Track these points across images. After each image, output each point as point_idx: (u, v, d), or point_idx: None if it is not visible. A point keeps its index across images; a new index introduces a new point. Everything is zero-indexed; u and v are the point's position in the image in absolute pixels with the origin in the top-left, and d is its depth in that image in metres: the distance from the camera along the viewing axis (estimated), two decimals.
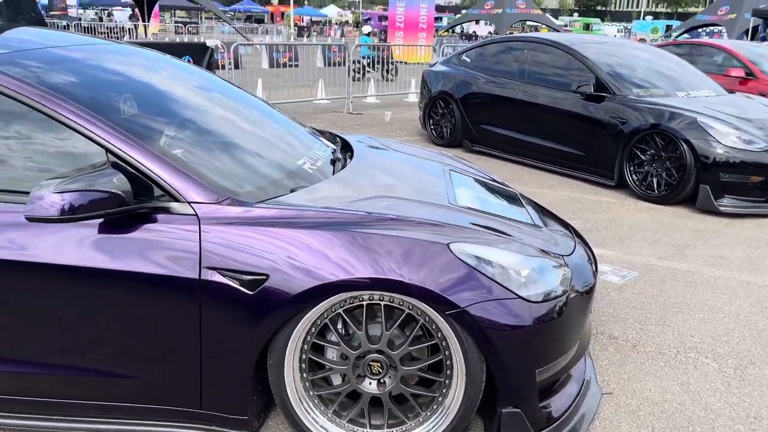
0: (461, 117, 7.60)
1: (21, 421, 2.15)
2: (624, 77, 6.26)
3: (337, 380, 2.16)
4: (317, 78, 12.16)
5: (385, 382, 2.12)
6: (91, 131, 2.02)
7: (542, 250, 2.26)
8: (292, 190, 2.28)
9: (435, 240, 2.03)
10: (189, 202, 2.01)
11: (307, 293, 1.95)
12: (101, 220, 1.95)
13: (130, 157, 2.01)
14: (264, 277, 1.96)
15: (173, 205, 2.01)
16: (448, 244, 2.03)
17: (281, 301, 1.96)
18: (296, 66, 14.62)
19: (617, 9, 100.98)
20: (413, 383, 2.14)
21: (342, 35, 43.96)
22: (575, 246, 2.54)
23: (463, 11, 49.03)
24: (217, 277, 1.97)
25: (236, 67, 9.73)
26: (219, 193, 2.06)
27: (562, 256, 2.34)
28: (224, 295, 1.97)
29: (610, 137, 5.96)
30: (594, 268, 2.51)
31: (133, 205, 1.95)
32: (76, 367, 2.09)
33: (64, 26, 24.36)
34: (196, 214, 2.00)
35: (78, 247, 1.96)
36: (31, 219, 1.83)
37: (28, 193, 1.93)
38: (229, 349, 2.03)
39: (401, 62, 18.30)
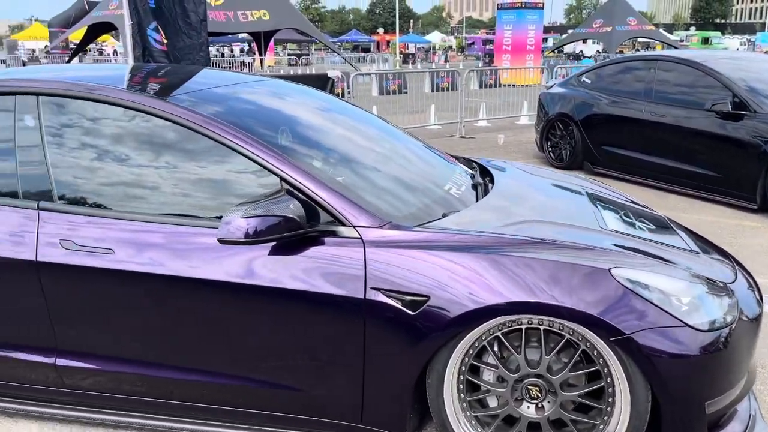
0: (582, 139, 7.44)
1: (197, 426, 2.35)
2: (762, 93, 5.88)
3: (493, 402, 2.18)
4: (428, 103, 12.35)
5: (543, 406, 2.11)
6: (269, 162, 2.20)
7: (706, 278, 2.18)
8: (444, 215, 2.36)
9: (596, 265, 2.03)
10: (354, 226, 2.14)
11: (467, 315, 2.00)
12: (275, 242, 2.11)
13: (302, 185, 2.17)
14: (425, 298, 2.04)
15: (340, 228, 2.15)
16: (609, 270, 2.01)
17: (442, 322, 2.02)
18: (405, 93, 14.97)
19: (738, 21, 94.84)
20: (571, 408, 2.13)
21: (446, 60, 44.38)
22: (736, 273, 2.42)
23: (570, 31, 47.99)
24: (381, 297, 2.07)
25: (349, 94, 10.11)
26: (380, 218, 2.17)
27: (726, 283, 2.25)
28: (387, 315, 2.07)
29: (751, 157, 5.60)
30: (758, 296, 2.38)
31: (305, 229, 2.10)
32: (247, 377, 2.26)
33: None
34: (361, 238, 2.12)
35: (251, 266, 2.14)
36: (223, 241, 2.02)
37: (207, 218, 2.16)
38: (390, 367, 2.11)
39: (510, 85, 18.23)
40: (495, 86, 19.18)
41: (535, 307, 1.98)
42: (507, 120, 12.67)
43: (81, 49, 26.68)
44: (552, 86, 8.44)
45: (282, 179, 2.19)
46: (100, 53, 39.09)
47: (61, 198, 2.35)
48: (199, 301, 2.21)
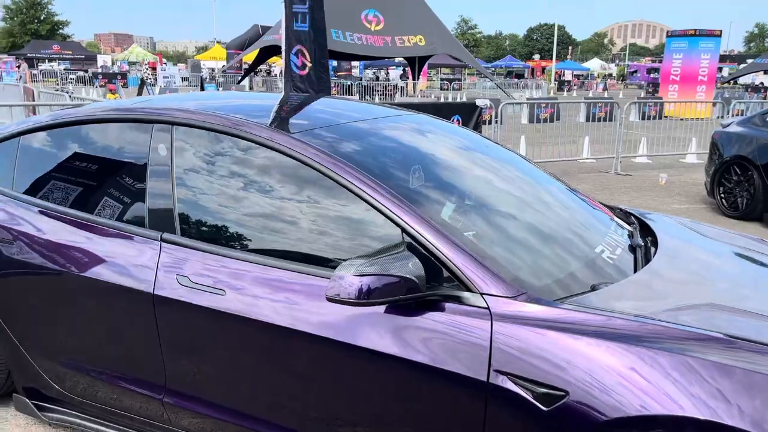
0: (763, 186, 6.47)
1: None
2: None
3: None
4: (581, 134, 11.62)
5: None
6: (391, 210, 1.97)
7: None
8: (593, 288, 1.97)
9: None
10: (482, 294, 1.83)
11: (618, 423, 1.61)
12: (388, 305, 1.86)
13: (426, 239, 1.90)
14: (562, 393, 1.67)
15: (465, 295, 1.85)
16: None
17: (582, 425, 1.65)
18: (558, 121, 14.26)
19: None
20: None
21: (605, 89, 42.23)
22: None
23: (750, 61, 43.64)
24: (508, 384, 1.73)
25: (497, 122, 9.73)
26: (514, 287, 1.85)
27: None
28: (513, 405, 1.73)
29: None
30: None
31: (424, 292, 1.83)
32: None
33: (348, 86, 27.43)
34: (489, 308, 1.81)
35: (363, 327, 1.91)
36: (331, 299, 1.81)
37: (325, 266, 1.97)
38: None
39: (675, 118, 16.75)
40: (658, 118, 17.79)
41: (712, 428, 1.53)
42: (671, 157, 11.54)
43: (252, 69, 29.01)
44: (729, 124, 7.48)
45: (404, 230, 1.95)
46: (268, 74, 42.15)
47: (183, 231, 2.30)
48: (306, 356, 2.02)
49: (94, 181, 2.56)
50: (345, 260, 1.87)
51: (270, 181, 2.23)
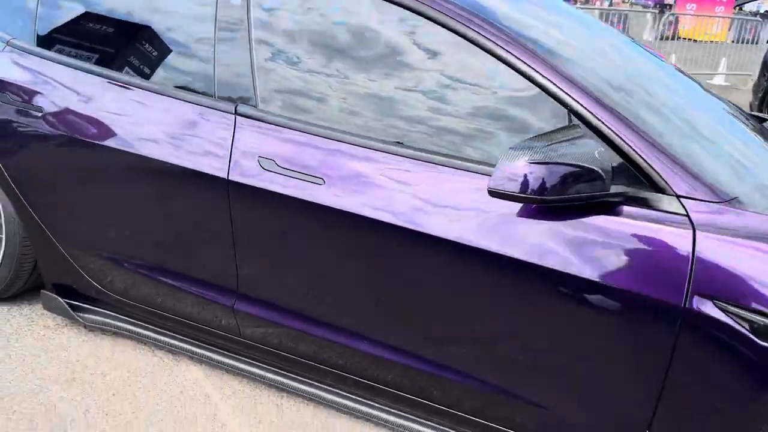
0: None
1: (377, 412, 1.86)
2: None
3: None
4: None
5: None
6: (557, 85, 1.52)
7: None
8: None
9: None
10: (678, 197, 1.43)
11: None
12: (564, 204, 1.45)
13: (606, 123, 1.48)
14: None
15: (655, 197, 1.45)
16: None
17: None
18: None
19: None
20: None
21: (610, 4, 40.58)
22: None
23: None
24: (712, 310, 1.37)
25: None
26: (719, 192, 1.45)
27: None
28: (717, 336, 1.37)
29: None
30: None
31: (610, 191, 1.42)
32: (463, 371, 1.69)
33: None
34: (688, 216, 1.41)
35: (515, 232, 1.51)
36: (494, 193, 1.39)
37: (461, 156, 1.56)
38: (706, 413, 1.44)
39: (690, 40, 16.04)
40: (672, 39, 17.00)
41: None
42: (699, 77, 11.02)
43: None
44: None
45: (575, 113, 1.51)
46: None
47: (265, 103, 1.83)
48: (429, 264, 1.63)
49: (142, 37, 2.05)
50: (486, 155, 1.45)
51: (394, 43, 1.75)
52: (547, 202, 1.38)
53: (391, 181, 1.64)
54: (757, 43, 12.95)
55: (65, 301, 2.26)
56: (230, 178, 1.79)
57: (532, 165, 1.35)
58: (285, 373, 2.01)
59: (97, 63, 2.08)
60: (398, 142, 1.68)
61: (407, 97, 1.71)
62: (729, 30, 17.17)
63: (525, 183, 1.36)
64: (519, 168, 1.36)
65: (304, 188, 1.71)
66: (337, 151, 1.70)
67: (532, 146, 1.37)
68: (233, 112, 1.83)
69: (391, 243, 1.65)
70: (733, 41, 15.93)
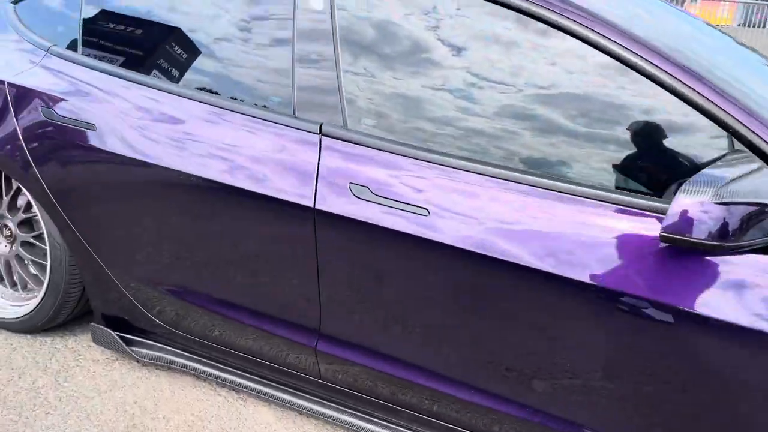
0: None
1: None
2: None
3: None
4: None
5: None
6: (729, 113, 1.31)
7: None
8: None
9: None
10: None
11: None
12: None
13: None
14: None
15: None
16: None
17: None
18: None
19: None
20: None
21: None
22: None
23: None
24: None
25: None
26: None
27: None
28: None
29: None
30: None
31: None
32: None
33: None
34: None
35: (685, 279, 1.31)
36: (669, 239, 1.20)
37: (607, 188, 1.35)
38: None
39: None
40: None
41: None
42: None
43: None
44: None
45: (747, 142, 1.31)
46: None
47: (355, 122, 1.62)
48: (565, 312, 1.42)
49: (204, 48, 1.83)
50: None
51: (511, 56, 1.53)
52: (738, 249, 1.18)
53: (511, 213, 1.44)
54: (764, 27, 12.75)
55: (117, 335, 2.06)
56: (317, 206, 1.59)
57: (714, 206, 1.16)
58: (368, 417, 1.82)
59: (153, 74, 1.87)
60: (521, 169, 1.48)
61: (533, 114, 1.50)
62: (735, 14, 16.99)
63: (714, 228, 1.16)
64: (700, 209, 1.16)
65: (404, 219, 1.51)
66: (444, 178, 1.50)
67: (709, 181, 1.17)
68: (318, 132, 1.63)
69: (514, 285, 1.45)
70: (739, 25, 15.74)
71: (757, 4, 15.54)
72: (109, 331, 2.07)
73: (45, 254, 2.11)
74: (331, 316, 1.69)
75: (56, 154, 1.91)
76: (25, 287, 2.25)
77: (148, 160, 1.77)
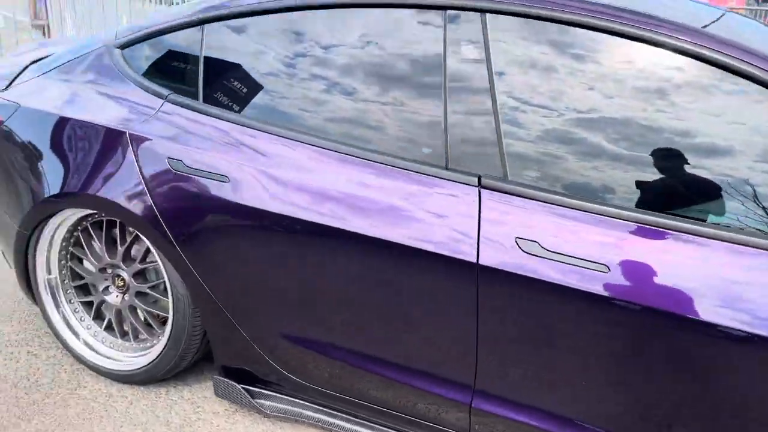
0: None
1: None
2: None
3: None
4: None
5: None
6: None
7: None
8: None
9: None
10: None
11: None
12: None
13: None
14: None
15: None
16: None
17: None
18: None
19: None
20: None
21: None
22: None
23: None
24: None
25: None
26: None
27: None
28: None
29: None
30: None
31: None
32: None
33: None
34: None
35: None
36: None
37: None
38: None
39: None
40: None
41: None
42: None
43: None
44: None
45: None
46: None
47: (515, 174, 1.58)
48: None
49: (342, 94, 1.78)
50: None
51: (690, 107, 1.49)
52: None
53: (707, 270, 1.39)
54: None
55: (242, 387, 2.01)
56: (480, 262, 1.54)
57: None
58: None
59: (285, 123, 1.83)
60: (713, 224, 1.44)
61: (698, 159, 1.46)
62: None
63: None
64: None
65: (579, 276, 1.47)
66: (624, 232, 1.46)
67: None
68: (476, 184, 1.59)
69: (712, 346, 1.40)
70: None
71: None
72: (234, 383, 2.02)
73: (157, 302, 2.07)
74: (489, 372, 1.65)
75: (184, 205, 1.87)
76: (136, 337, 2.20)
77: (284, 212, 1.73)
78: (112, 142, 1.96)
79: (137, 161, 1.92)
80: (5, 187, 2.20)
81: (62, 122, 2.05)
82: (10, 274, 2.89)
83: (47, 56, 2.43)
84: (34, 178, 2.09)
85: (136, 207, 1.92)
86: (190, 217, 1.87)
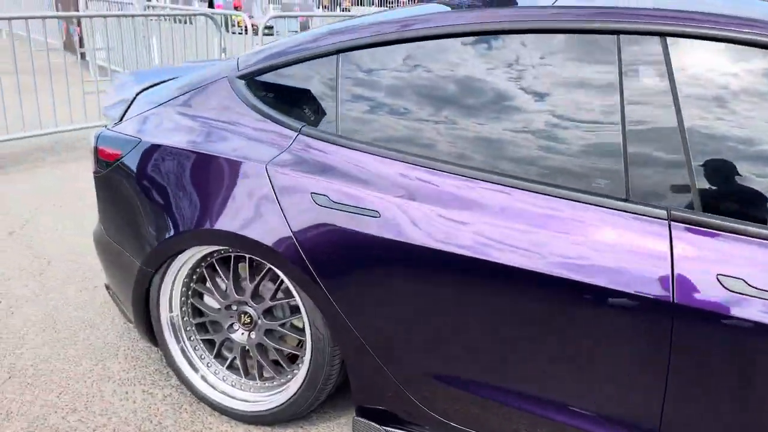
0: None
1: None
2: None
3: None
4: None
5: None
6: None
7: None
8: None
9: None
10: None
11: None
12: None
13: None
14: None
15: None
16: None
17: None
18: None
19: None
20: None
21: None
22: None
23: None
24: None
25: None
26: None
27: None
28: None
29: None
30: None
31: None
32: None
33: None
34: None
35: None
36: None
37: None
38: None
39: None
40: None
41: None
42: None
43: None
44: None
45: None
46: None
47: (708, 204, 1.50)
48: None
49: (501, 125, 1.70)
50: None
51: None
52: None
53: None
54: None
55: (384, 429, 1.93)
56: (677, 301, 1.46)
57: None
58: None
59: (436, 155, 1.75)
60: None
61: None
62: None
63: None
64: None
65: None
66: None
67: None
68: (665, 217, 1.50)
69: None
70: None
71: None
72: (375, 425, 1.93)
73: (283, 339, 2.00)
74: (679, 421, 1.55)
75: (329, 241, 1.79)
76: (261, 376, 2.13)
77: (440, 248, 1.65)
78: (245, 176, 1.89)
79: (276, 196, 1.85)
80: (126, 224, 2.14)
81: (188, 156, 1.99)
82: (107, 307, 2.83)
83: (150, 86, 2.38)
84: (160, 214, 2.02)
85: (275, 243, 1.84)
86: (336, 254, 1.79)
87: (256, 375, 2.13)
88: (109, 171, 2.18)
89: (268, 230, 1.85)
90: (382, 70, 1.85)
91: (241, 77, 2.06)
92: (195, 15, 7.08)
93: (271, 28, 7.57)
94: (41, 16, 5.07)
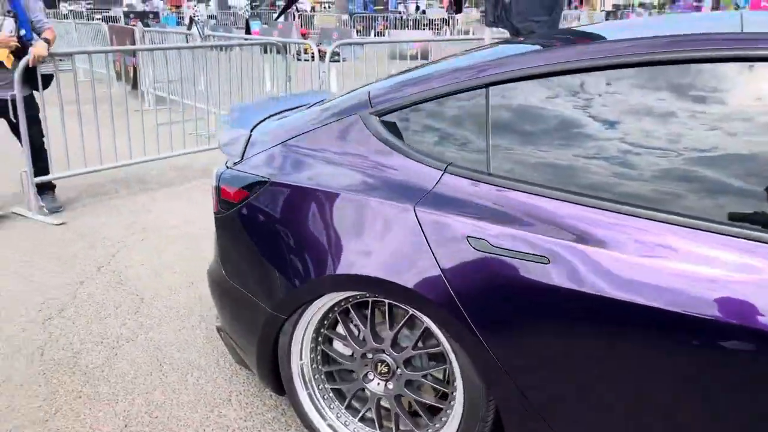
0: None
1: None
2: None
3: None
4: None
5: None
6: None
7: None
8: None
9: None
10: None
11: None
12: None
13: None
14: None
15: None
16: None
17: None
18: None
19: None
20: None
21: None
22: None
23: None
24: None
25: None
26: None
27: None
28: None
29: None
30: None
31: None
32: None
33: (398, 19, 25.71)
34: None
35: None
36: None
37: None
38: None
39: None
40: None
41: None
42: None
43: (291, 5, 26.94)
44: None
45: None
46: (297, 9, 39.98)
47: None
48: None
49: (684, 162, 1.57)
50: None
51: None
52: None
53: None
54: None
55: None
56: None
57: None
58: None
59: (609, 195, 1.62)
60: None
61: None
62: None
63: None
64: None
65: None
66: None
67: None
68: None
69: None
70: None
71: None
72: None
73: (421, 389, 1.87)
74: None
75: (489, 288, 1.67)
76: (397, 428, 2.00)
77: (627, 299, 1.51)
78: (390, 218, 1.79)
79: (426, 239, 1.74)
80: (252, 267, 2.05)
81: (325, 197, 1.90)
82: (210, 347, 2.74)
83: (263, 121, 2.31)
84: (294, 258, 1.93)
85: (426, 289, 1.73)
86: (497, 302, 1.67)
87: (393, 428, 2.00)
88: (233, 211, 2.11)
89: (418, 275, 1.74)
90: (538, 104, 1.74)
91: (375, 113, 1.97)
92: (260, 44, 7.12)
93: (337, 54, 7.59)
94: (111, 50, 5.11)
